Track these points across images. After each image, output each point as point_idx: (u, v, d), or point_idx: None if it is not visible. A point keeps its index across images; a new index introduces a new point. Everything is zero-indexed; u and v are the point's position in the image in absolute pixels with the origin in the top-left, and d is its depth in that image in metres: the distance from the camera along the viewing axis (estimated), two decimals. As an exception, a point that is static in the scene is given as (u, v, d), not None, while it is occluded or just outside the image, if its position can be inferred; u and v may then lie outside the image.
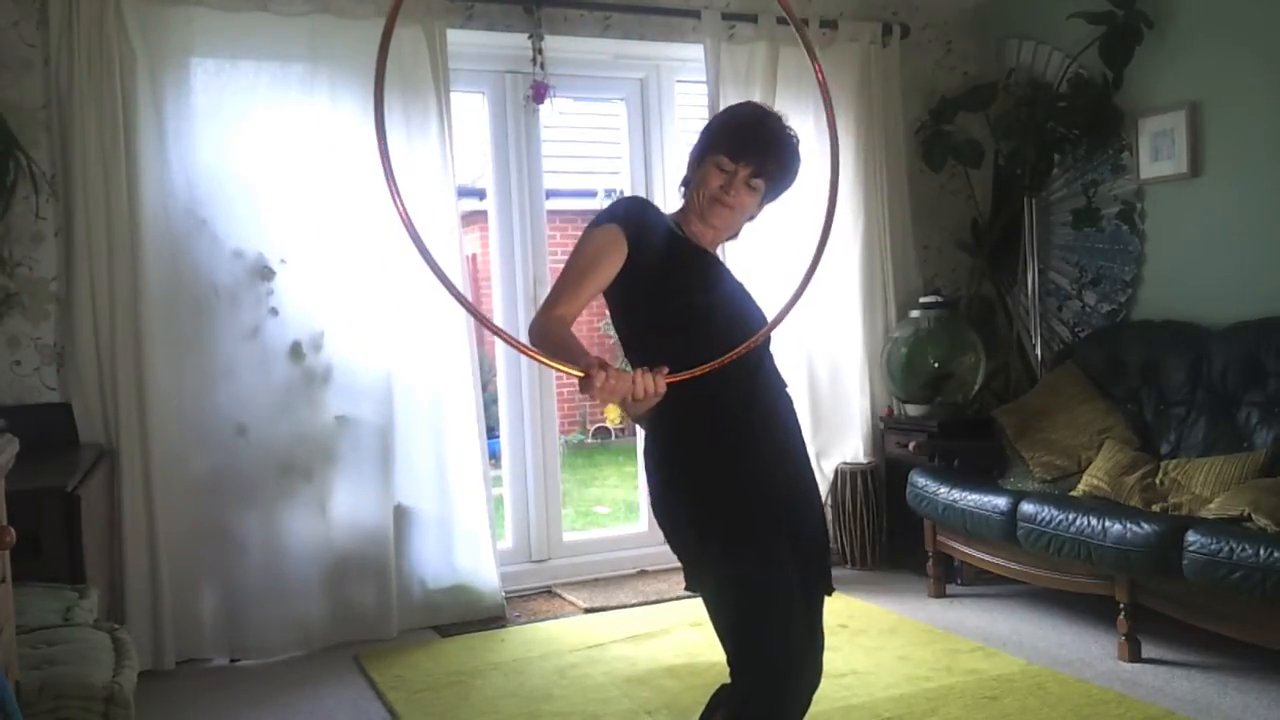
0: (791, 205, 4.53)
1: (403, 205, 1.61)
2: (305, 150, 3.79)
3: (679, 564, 1.99)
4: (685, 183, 2.07)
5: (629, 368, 1.92)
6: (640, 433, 1.99)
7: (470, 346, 4.06)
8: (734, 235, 2.09)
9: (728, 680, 1.94)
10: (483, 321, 1.76)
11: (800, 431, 2.06)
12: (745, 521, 1.88)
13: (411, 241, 1.59)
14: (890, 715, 2.98)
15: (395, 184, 1.60)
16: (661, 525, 2.00)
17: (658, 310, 1.93)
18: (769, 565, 1.86)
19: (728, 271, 2.06)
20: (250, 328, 3.75)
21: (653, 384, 1.67)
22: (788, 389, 2.05)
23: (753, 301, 2.04)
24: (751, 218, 2.07)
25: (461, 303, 1.72)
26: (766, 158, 1.96)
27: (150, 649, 3.50)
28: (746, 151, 1.95)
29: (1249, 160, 3.85)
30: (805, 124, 4.58)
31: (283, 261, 3.77)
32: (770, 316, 1.94)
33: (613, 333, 8.14)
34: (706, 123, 2.10)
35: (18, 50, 3.56)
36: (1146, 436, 3.88)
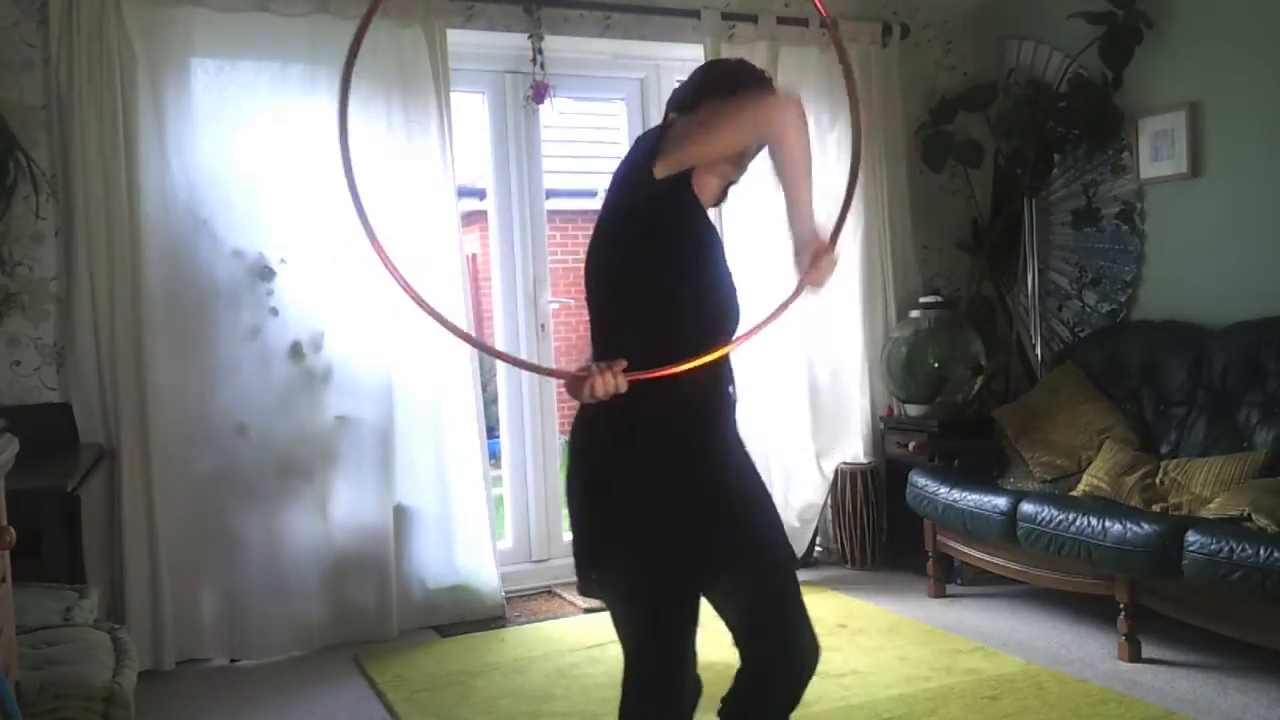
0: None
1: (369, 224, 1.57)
2: (305, 150, 3.79)
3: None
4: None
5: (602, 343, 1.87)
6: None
7: (470, 346, 4.05)
8: (724, 198, 2.03)
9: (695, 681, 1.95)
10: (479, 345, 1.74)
11: (739, 431, 1.98)
12: (663, 560, 1.82)
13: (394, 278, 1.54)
14: (890, 715, 2.98)
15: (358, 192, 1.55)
16: (571, 510, 1.94)
17: (638, 276, 1.84)
18: (677, 607, 1.85)
19: (721, 253, 1.98)
20: (250, 328, 3.75)
21: (613, 383, 1.63)
22: (733, 387, 1.96)
23: (734, 293, 1.95)
24: (733, 182, 2.01)
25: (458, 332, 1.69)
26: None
27: (150, 649, 3.50)
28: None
29: (1249, 160, 3.85)
30: (805, 124, 4.59)
31: (283, 261, 3.77)
32: (744, 313, 1.91)
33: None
34: (689, 80, 2.02)
35: (18, 50, 3.56)
36: (1146, 436, 3.88)
